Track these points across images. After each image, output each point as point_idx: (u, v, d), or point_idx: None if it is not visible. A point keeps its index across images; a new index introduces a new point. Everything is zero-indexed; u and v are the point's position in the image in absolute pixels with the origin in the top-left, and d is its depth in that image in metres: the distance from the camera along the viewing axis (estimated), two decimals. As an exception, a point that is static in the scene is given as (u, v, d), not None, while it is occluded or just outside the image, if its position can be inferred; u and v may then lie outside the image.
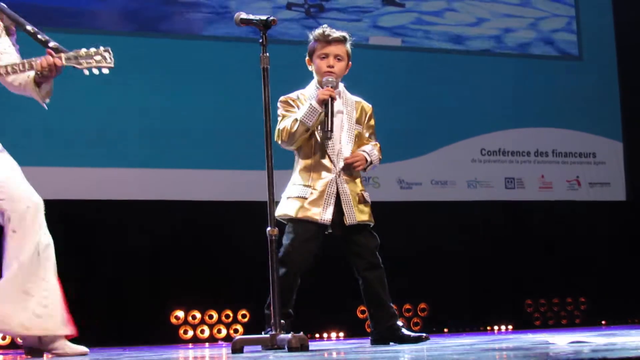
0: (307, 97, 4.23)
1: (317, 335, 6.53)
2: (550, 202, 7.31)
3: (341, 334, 6.60)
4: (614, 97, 7.61)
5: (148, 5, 6.62)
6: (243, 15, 3.88)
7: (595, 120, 7.51)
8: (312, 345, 3.80)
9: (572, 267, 7.14)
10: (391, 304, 4.26)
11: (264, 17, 3.85)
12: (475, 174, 7.20)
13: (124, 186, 6.28)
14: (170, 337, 6.32)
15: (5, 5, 3.91)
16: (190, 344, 6.16)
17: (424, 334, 4.23)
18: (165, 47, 6.55)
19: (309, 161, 4.18)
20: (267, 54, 3.81)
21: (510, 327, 7.02)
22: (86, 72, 3.80)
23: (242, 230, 5.99)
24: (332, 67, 4.21)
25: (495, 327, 7.00)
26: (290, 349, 3.48)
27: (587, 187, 7.44)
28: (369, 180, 6.85)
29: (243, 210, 6.09)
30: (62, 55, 3.75)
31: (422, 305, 7.02)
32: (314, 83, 4.28)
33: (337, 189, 4.15)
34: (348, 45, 4.28)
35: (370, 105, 4.38)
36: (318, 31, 4.26)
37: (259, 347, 3.81)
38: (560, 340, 3.57)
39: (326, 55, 4.23)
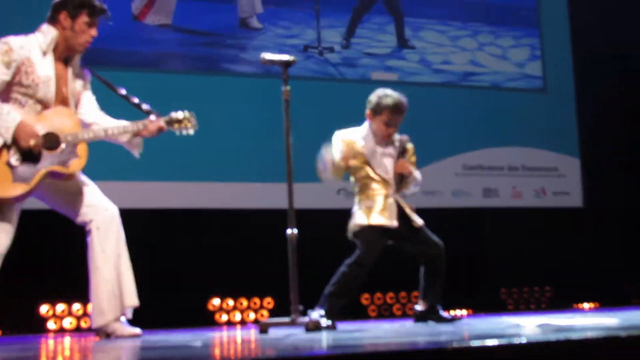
0: (361, 138, 4.24)
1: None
2: (521, 208, 7.28)
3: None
4: (572, 122, 7.60)
5: (190, 49, 6.66)
6: (268, 56, 3.87)
7: (557, 140, 7.49)
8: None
9: (539, 261, 7.11)
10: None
11: (285, 57, 3.85)
12: (458, 185, 7.19)
13: (170, 197, 6.30)
14: (208, 321, 6.33)
15: (99, 75, 3.95)
16: (224, 327, 6.15)
17: (458, 315, 4.35)
18: (207, 82, 6.58)
19: (372, 188, 4.24)
20: (288, 87, 3.82)
21: (487, 311, 6.98)
22: (177, 133, 3.91)
23: (269, 233, 5.96)
24: (392, 134, 4.27)
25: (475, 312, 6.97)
26: (308, 330, 3.47)
27: (551, 196, 7.42)
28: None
29: (270, 216, 6.08)
30: (163, 120, 3.83)
31: (415, 293, 6.98)
32: (367, 127, 4.28)
33: (397, 203, 4.24)
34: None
35: (412, 145, 4.41)
36: (392, 99, 4.23)
37: (281, 328, 3.79)
38: (529, 323, 3.55)
39: (389, 125, 4.23)
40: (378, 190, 4.23)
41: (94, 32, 3.75)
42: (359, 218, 4.19)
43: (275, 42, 6.86)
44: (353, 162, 4.23)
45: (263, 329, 3.64)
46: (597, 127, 7.55)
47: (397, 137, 4.37)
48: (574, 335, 2.25)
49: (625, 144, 7.54)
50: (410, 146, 4.40)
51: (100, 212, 3.80)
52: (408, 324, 4.40)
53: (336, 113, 6.95)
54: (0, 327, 5.78)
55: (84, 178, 3.89)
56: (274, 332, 3.63)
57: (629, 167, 7.50)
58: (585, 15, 7.74)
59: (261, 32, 6.88)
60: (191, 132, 3.97)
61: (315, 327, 3.49)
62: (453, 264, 6.80)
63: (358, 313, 6.64)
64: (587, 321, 3.50)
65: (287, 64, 3.83)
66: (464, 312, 6.93)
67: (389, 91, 4.29)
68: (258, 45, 6.80)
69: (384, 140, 4.29)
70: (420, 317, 4.31)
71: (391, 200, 4.23)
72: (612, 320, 3.49)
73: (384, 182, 4.24)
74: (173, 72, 6.55)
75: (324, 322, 3.58)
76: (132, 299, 3.81)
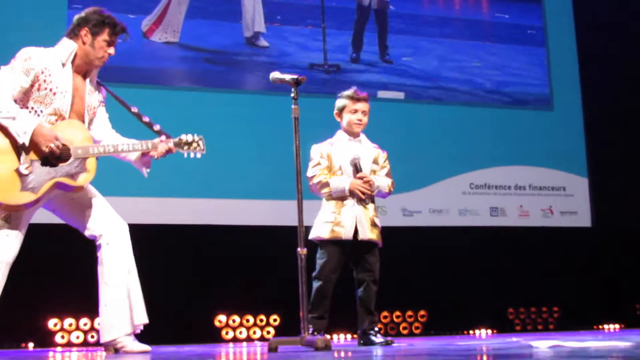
0: (335, 144, 4.28)
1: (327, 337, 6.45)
2: (527, 228, 7.25)
3: (348, 336, 6.50)
4: (580, 141, 7.56)
5: (197, 66, 6.67)
6: (277, 75, 3.87)
7: (565, 159, 7.46)
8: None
9: (546, 281, 7.06)
10: (376, 314, 4.24)
11: (294, 76, 3.84)
12: (465, 204, 7.16)
13: (177, 213, 6.29)
14: (214, 337, 6.30)
15: (114, 92, 3.97)
16: (230, 343, 6.12)
17: (390, 339, 4.19)
18: (213, 99, 6.59)
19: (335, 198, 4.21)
20: (297, 106, 3.80)
21: (494, 330, 6.94)
22: (185, 155, 3.92)
23: (276, 250, 5.94)
24: (361, 120, 4.30)
25: (482, 331, 6.92)
26: (317, 349, 3.44)
27: (559, 215, 7.37)
28: (378, 209, 6.81)
29: (277, 233, 6.07)
30: (172, 141, 3.85)
31: (422, 312, 6.95)
32: (340, 132, 4.36)
33: (356, 212, 4.14)
34: (369, 103, 4.37)
35: (385, 152, 4.42)
36: (349, 91, 4.33)
37: (291, 347, 3.76)
38: (542, 345, 3.51)
39: (356, 111, 4.29)
40: (339, 201, 4.20)
41: (112, 50, 3.82)
42: (319, 230, 4.20)
43: (282, 60, 6.87)
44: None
45: (272, 347, 3.60)
46: (606, 146, 7.52)
47: (368, 143, 4.39)
48: (590, 358, 2.22)
49: (634, 162, 7.50)
50: (383, 154, 4.39)
51: (110, 227, 3.80)
52: (416, 343, 4.36)
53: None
54: (8, 340, 5.76)
55: (95, 193, 3.88)
56: (283, 351, 3.59)
57: (638, 186, 7.45)
58: (593, 33, 7.74)
59: (267, 49, 6.89)
60: (199, 155, 3.98)
61: (325, 345, 3.45)
62: (459, 283, 6.84)
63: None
64: (600, 343, 3.47)
65: (296, 83, 3.82)
66: (484, 332, 6.88)
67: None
68: (264, 63, 6.81)
69: (356, 134, 4.33)
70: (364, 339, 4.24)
71: (352, 206, 4.19)
72: (625, 342, 3.45)
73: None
74: (179, 89, 6.56)
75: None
76: (141, 317, 3.79)
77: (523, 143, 7.37)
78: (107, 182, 4.04)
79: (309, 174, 4.28)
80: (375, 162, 4.35)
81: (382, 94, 7.18)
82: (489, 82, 7.50)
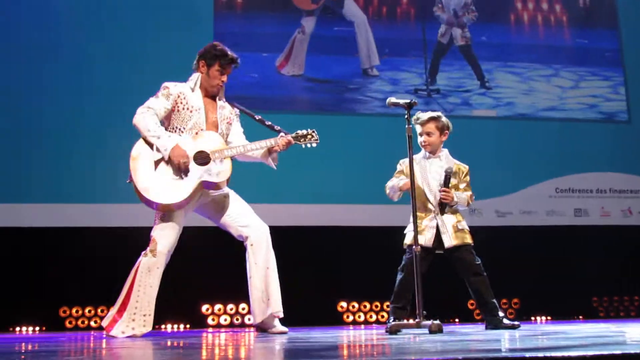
0: (415, 159, 4.07)
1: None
2: (608, 226, 6.95)
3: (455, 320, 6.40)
4: (656, 150, 7.23)
5: (323, 94, 6.76)
6: (393, 100, 3.88)
7: (642, 166, 7.16)
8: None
9: (627, 273, 6.76)
10: (492, 300, 4.06)
11: (408, 100, 3.84)
12: (552, 206, 6.94)
13: (305, 216, 6.39)
14: (336, 321, 6.34)
15: (240, 106, 4.15)
16: (350, 326, 6.14)
17: (517, 322, 4.07)
18: (339, 122, 6.66)
19: (419, 204, 4.04)
20: (411, 125, 3.80)
21: (580, 317, 6.68)
22: (303, 146, 4.05)
23: (392, 247, 5.93)
24: (425, 141, 4.15)
25: (570, 317, 6.69)
26: (431, 332, 3.42)
27: (637, 215, 7.06)
28: (475, 211, 6.71)
29: (392, 232, 6.05)
30: (290, 136, 3.98)
31: (515, 300, 6.77)
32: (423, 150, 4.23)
33: (437, 222, 4.07)
34: (438, 122, 4.14)
35: (466, 166, 4.23)
36: (414, 117, 4.16)
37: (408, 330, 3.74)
38: (634, 331, 3.36)
39: (421, 134, 4.16)
40: (424, 208, 4.08)
41: (224, 78, 4.00)
42: (407, 237, 4.09)
43: (390, 86, 6.87)
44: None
45: (393, 330, 3.60)
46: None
47: (449, 160, 4.21)
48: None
49: None
50: (464, 167, 4.20)
51: (254, 231, 3.93)
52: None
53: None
54: (169, 321, 5.99)
55: (240, 201, 4.02)
56: (401, 333, 3.59)
57: None
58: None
59: (378, 78, 6.91)
60: (314, 145, 4.10)
61: (438, 329, 3.42)
62: (546, 274, 6.64)
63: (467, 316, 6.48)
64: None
65: (409, 106, 3.82)
66: (556, 318, 6.65)
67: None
68: (376, 89, 6.84)
69: (432, 153, 4.17)
70: (487, 324, 4.10)
71: (432, 217, 4.06)
72: None
73: (429, 201, 4.08)
74: (304, 113, 6.67)
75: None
76: (276, 306, 3.89)
77: (604, 152, 7.10)
78: (254, 190, 4.17)
79: (388, 184, 4.21)
80: (456, 176, 4.18)
81: (476, 112, 7.07)
82: (573, 100, 7.26)
